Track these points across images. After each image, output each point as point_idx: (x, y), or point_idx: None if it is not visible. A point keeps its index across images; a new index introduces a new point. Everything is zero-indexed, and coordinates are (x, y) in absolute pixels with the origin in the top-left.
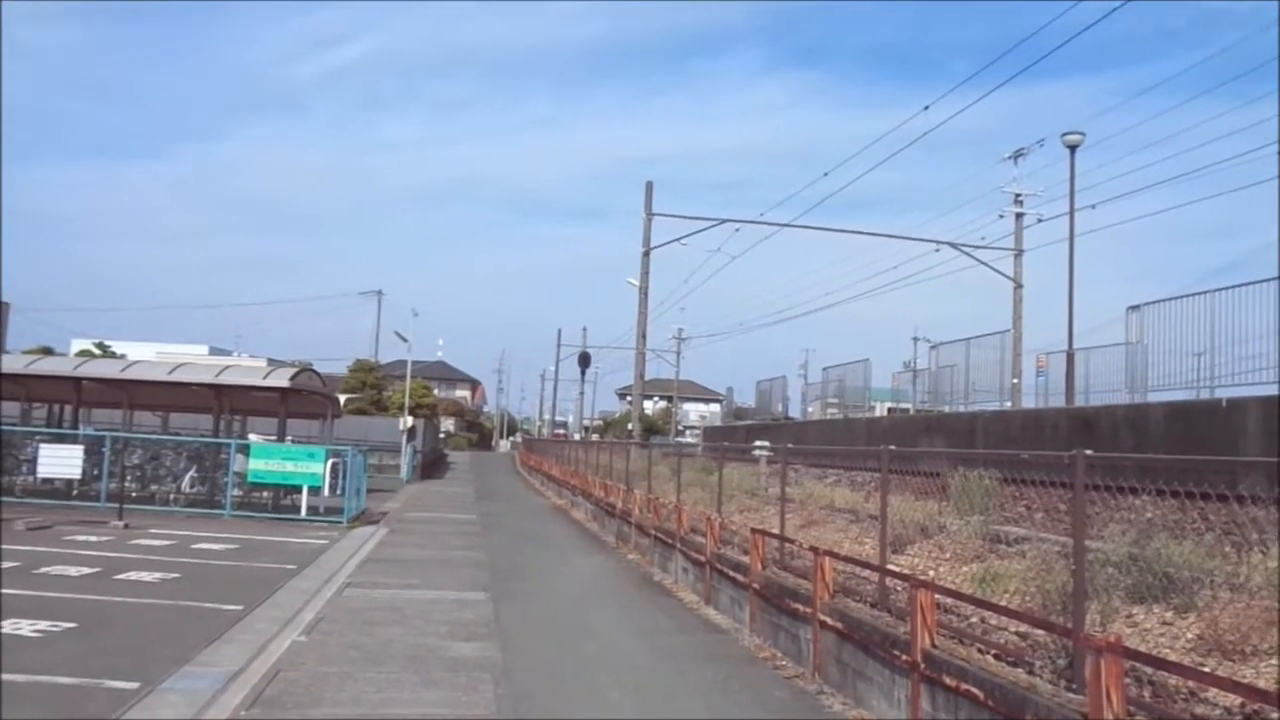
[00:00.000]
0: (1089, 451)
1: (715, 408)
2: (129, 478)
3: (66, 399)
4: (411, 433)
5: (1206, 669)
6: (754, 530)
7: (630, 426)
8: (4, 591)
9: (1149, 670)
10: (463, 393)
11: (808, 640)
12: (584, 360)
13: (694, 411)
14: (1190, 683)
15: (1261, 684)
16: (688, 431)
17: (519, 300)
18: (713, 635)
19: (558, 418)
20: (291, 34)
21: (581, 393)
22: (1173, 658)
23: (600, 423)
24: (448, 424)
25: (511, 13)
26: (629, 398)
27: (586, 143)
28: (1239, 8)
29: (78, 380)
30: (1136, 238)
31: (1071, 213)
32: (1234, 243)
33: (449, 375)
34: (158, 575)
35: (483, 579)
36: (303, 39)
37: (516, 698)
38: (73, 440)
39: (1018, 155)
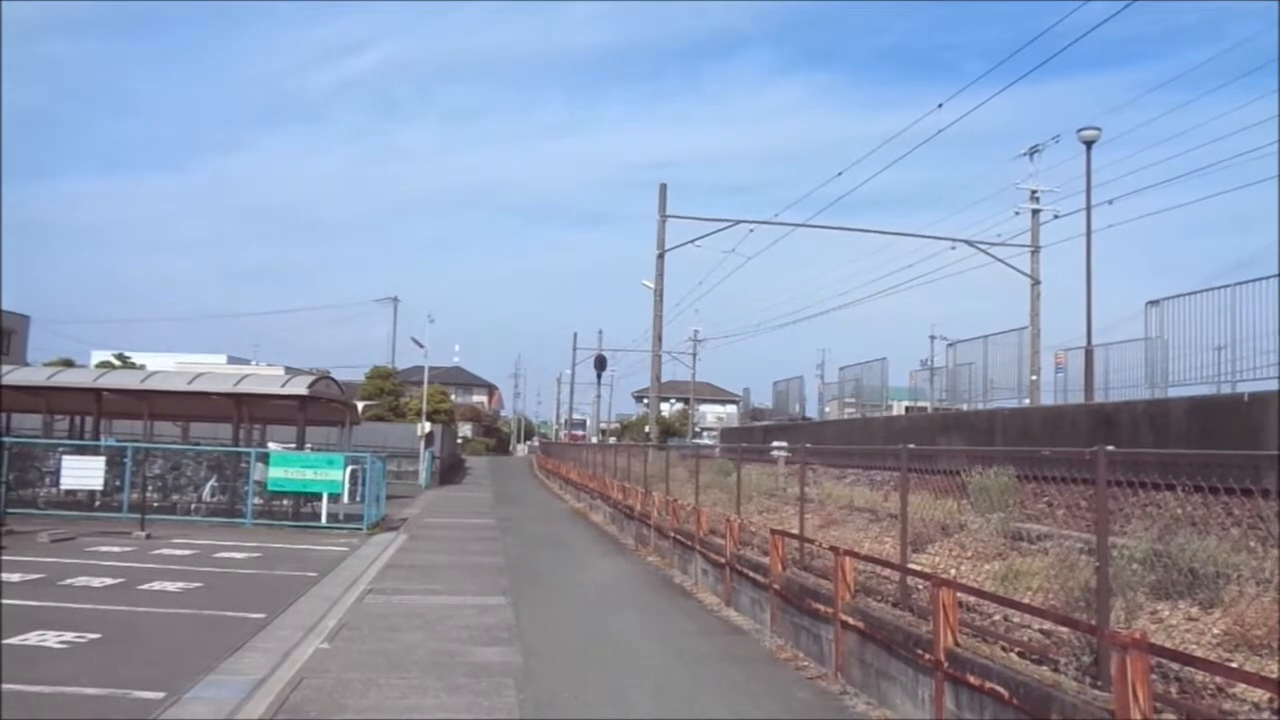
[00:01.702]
0: (1110, 447)
1: (732, 409)
2: (150, 488)
3: (87, 410)
4: (429, 438)
5: (1234, 664)
6: (773, 531)
7: (647, 429)
8: (31, 604)
9: (1175, 666)
10: (479, 398)
11: (829, 640)
12: (600, 363)
13: (711, 413)
14: (1217, 678)
15: None
16: (705, 433)
17: (534, 305)
18: (734, 637)
19: (575, 416)
20: (307, 43)
21: (598, 396)
22: (1199, 653)
23: (617, 425)
24: (465, 429)
25: (524, 19)
26: (645, 400)
27: (600, 147)
28: (1251, 2)
29: (98, 392)
30: (1155, 233)
31: (1088, 208)
32: (1253, 236)
33: (466, 381)
34: (181, 585)
35: (503, 583)
36: (318, 48)
37: (538, 701)
38: (94, 451)
39: (1033, 152)
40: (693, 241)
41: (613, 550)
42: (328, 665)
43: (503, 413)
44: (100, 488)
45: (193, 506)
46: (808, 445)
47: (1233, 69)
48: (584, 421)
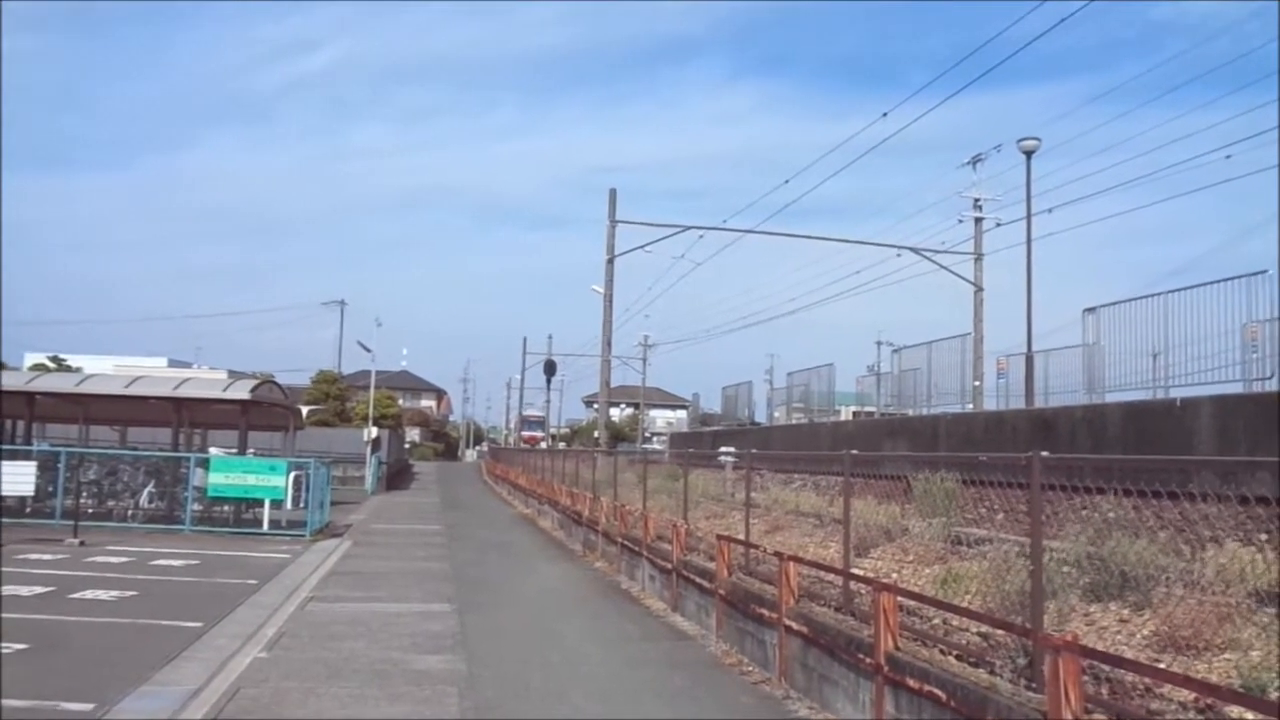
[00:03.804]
0: (1045, 453)
1: (682, 414)
2: (85, 494)
3: (19, 414)
4: (376, 444)
5: (1161, 665)
6: (720, 536)
7: (597, 434)
8: None
9: (1106, 668)
10: (428, 403)
11: (773, 645)
12: (549, 368)
13: (661, 418)
14: (1146, 679)
15: (1214, 679)
16: (655, 438)
17: (485, 309)
18: (679, 642)
19: (532, 414)
20: (257, 41)
21: (548, 401)
22: (1129, 655)
23: (567, 430)
24: (413, 434)
25: (478, 20)
26: (596, 405)
27: (554, 151)
28: (1186, 19)
29: (30, 395)
30: (1093, 241)
31: (1029, 217)
32: (1185, 246)
33: (414, 385)
34: (114, 593)
35: (448, 590)
36: (269, 46)
37: (481, 709)
38: (25, 456)
39: (976, 161)
40: (642, 247)
41: (560, 556)
42: (266, 674)
43: (452, 418)
44: (32, 493)
45: (129, 513)
46: (754, 450)
47: (1167, 82)
48: (541, 419)
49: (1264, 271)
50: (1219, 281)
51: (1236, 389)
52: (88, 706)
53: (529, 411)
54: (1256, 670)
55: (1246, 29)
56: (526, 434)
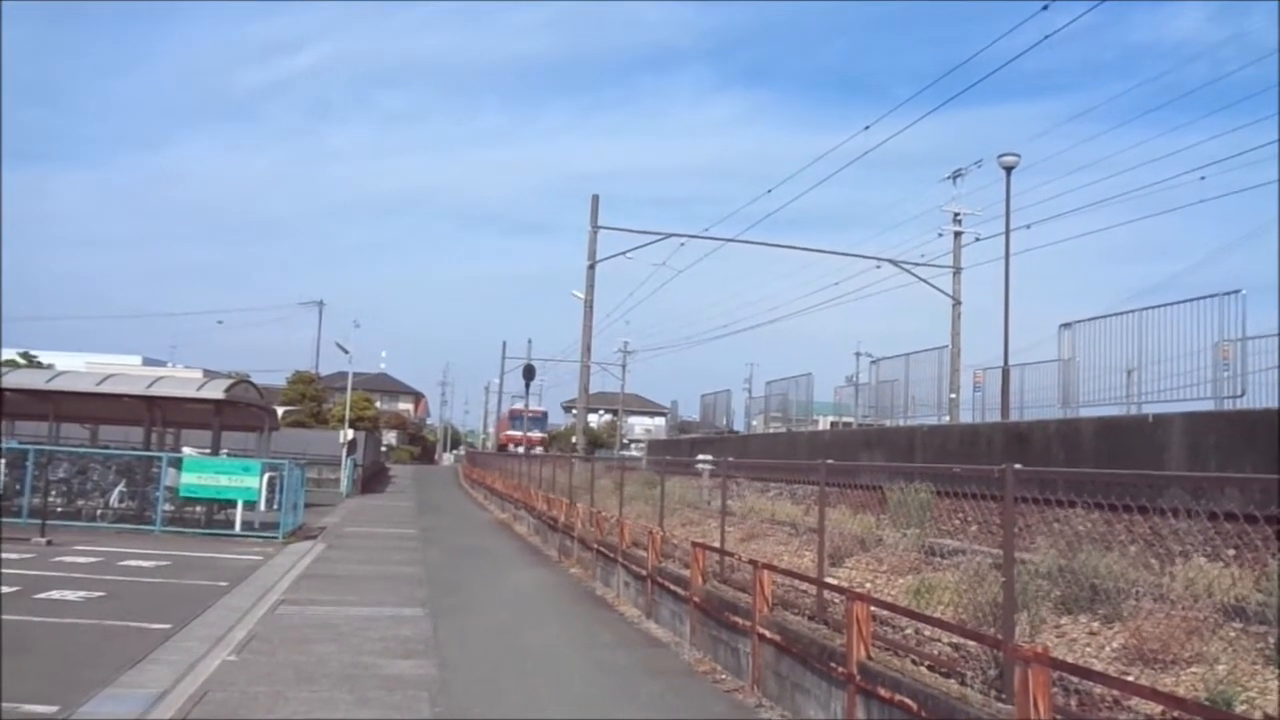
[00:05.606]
0: (1018, 466)
1: (660, 421)
2: (53, 492)
3: None
4: (352, 446)
5: (1130, 678)
6: (695, 544)
7: (574, 440)
8: None
9: (1075, 679)
10: (405, 405)
11: (747, 653)
12: (529, 373)
13: (639, 425)
14: (1114, 691)
15: (1181, 692)
16: (633, 445)
17: (465, 312)
18: (653, 649)
19: (530, 408)
20: (240, 41)
21: (526, 406)
22: (1098, 667)
23: (545, 436)
24: (390, 437)
25: (463, 26)
26: (574, 411)
27: (536, 157)
28: (1165, 43)
29: None
30: (1071, 257)
31: (1007, 232)
32: (1161, 264)
33: (391, 387)
34: (82, 594)
35: (421, 594)
36: (252, 46)
37: (453, 713)
38: None
39: (956, 175)
40: (624, 253)
41: (535, 561)
42: (234, 678)
43: (429, 421)
44: None
45: (99, 512)
46: (730, 459)
47: (1145, 103)
48: (541, 415)
49: (1237, 291)
50: (1193, 300)
51: (1208, 406)
52: (52, 709)
53: (522, 406)
54: (1223, 684)
55: (1222, 54)
56: (516, 433)
